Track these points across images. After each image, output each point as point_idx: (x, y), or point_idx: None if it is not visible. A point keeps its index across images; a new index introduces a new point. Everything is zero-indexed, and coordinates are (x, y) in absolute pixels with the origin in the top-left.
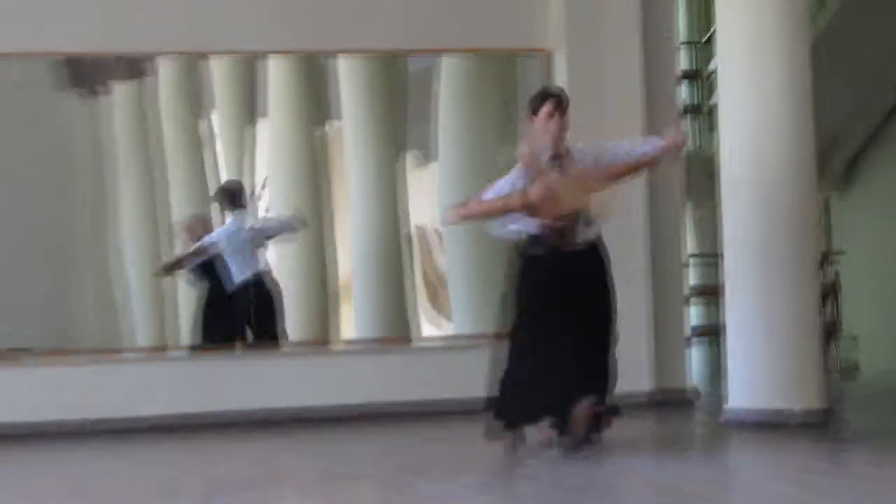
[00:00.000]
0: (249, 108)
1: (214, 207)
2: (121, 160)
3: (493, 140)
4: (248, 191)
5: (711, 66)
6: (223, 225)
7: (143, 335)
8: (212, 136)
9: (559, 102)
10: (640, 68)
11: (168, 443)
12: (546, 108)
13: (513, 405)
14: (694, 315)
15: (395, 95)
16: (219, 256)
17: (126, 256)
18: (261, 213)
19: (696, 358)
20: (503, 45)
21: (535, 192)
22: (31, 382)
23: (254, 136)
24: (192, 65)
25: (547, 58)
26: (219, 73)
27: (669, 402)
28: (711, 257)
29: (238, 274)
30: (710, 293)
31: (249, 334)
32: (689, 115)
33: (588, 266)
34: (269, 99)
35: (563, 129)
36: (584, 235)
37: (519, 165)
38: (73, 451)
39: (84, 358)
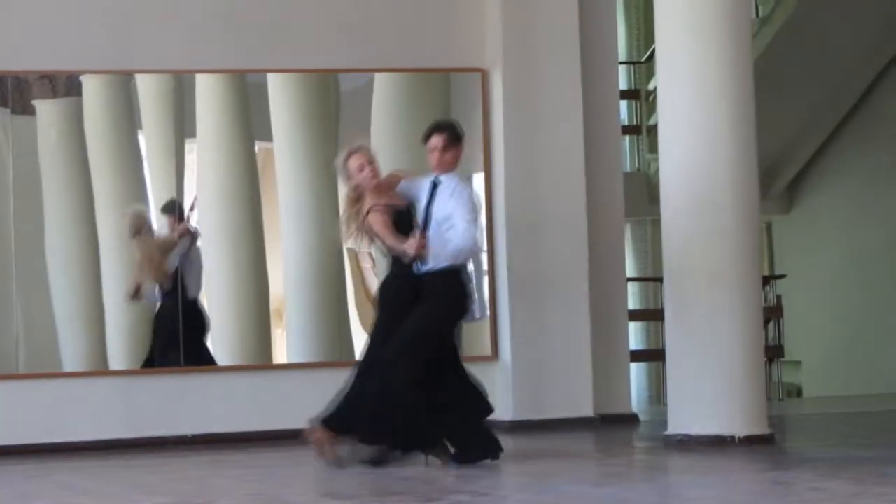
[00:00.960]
0: (178, 128)
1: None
2: (46, 179)
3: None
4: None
5: (651, 86)
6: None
7: (75, 356)
8: (140, 156)
9: (442, 137)
10: (579, 87)
11: (96, 466)
12: (431, 142)
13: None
14: (633, 338)
15: (328, 115)
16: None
17: (57, 275)
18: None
19: (636, 381)
20: (439, 64)
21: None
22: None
23: (182, 156)
24: (118, 83)
25: (483, 77)
26: (145, 91)
27: (610, 425)
28: (651, 281)
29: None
30: (650, 317)
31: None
32: (628, 135)
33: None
34: (197, 118)
35: (440, 163)
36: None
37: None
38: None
39: (15, 380)
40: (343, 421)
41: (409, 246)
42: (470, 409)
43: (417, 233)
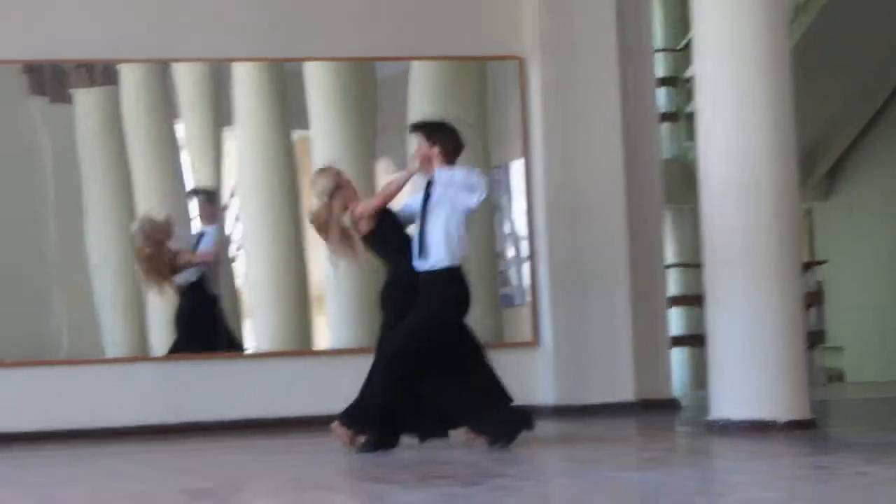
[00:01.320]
0: (216, 116)
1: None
2: (85, 168)
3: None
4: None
5: (689, 73)
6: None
7: (116, 342)
8: (178, 144)
9: (418, 141)
10: (616, 75)
11: (137, 450)
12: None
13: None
14: (675, 323)
15: (365, 103)
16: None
17: (95, 264)
18: (229, 223)
19: (677, 366)
20: (476, 52)
21: None
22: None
23: (221, 144)
24: (157, 72)
25: (521, 65)
26: (184, 80)
27: (651, 410)
28: (691, 266)
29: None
30: (690, 302)
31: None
32: (666, 123)
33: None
34: (235, 107)
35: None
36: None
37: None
38: (42, 458)
39: (57, 366)
40: (357, 419)
41: (414, 160)
42: (491, 397)
43: (420, 145)
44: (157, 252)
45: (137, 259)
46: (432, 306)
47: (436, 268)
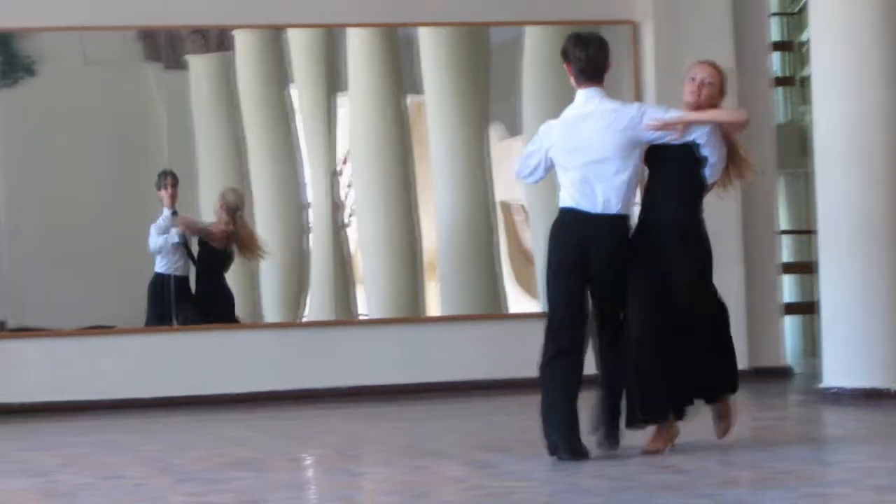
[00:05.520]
0: (329, 82)
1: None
2: (199, 133)
3: None
4: None
5: (804, 37)
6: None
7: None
8: (291, 110)
9: None
10: (730, 39)
11: (250, 417)
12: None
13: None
14: (787, 290)
15: (478, 68)
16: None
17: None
18: (343, 188)
19: (790, 334)
20: (589, 17)
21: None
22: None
23: (334, 110)
24: (271, 39)
25: (634, 29)
26: (297, 46)
27: (764, 378)
28: (804, 233)
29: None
30: (803, 270)
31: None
32: (780, 87)
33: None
34: (348, 72)
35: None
36: None
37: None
38: (155, 425)
39: (170, 333)
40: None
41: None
42: None
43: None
44: (235, 225)
45: (230, 237)
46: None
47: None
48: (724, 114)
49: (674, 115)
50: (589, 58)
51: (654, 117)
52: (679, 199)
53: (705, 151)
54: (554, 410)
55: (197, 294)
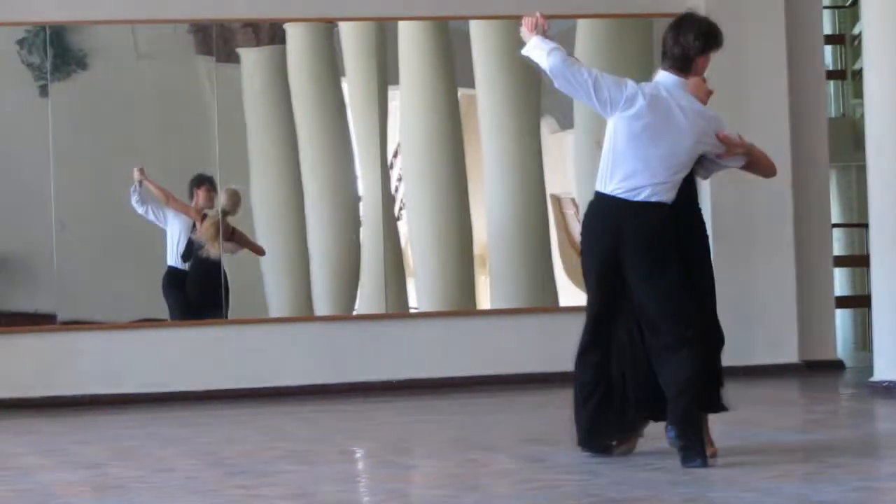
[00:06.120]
0: (381, 76)
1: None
2: (251, 127)
3: None
4: None
5: (856, 30)
6: None
7: (281, 302)
8: (343, 103)
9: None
10: (783, 31)
11: (301, 410)
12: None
13: None
14: (839, 284)
15: (530, 62)
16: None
17: (260, 222)
18: (393, 182)
19: (841, 327)
20: (642, 9)
21: None
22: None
23: (385, 104)
24: (322, 32)
25: None
26: (349, 40)
27: (815, 371)
28: (856, 226)
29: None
30: (855, 263)
31: None
32: (832, 80)
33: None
34: (400, 65)
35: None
36: None
37: None
38: (207, 418)
39: (222, 326)
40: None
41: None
42: None
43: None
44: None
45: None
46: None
47: None
48: (767, 157)
49: (734, 136)
50: (689, 46)
51: (725, 133)
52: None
53: (724, 163)
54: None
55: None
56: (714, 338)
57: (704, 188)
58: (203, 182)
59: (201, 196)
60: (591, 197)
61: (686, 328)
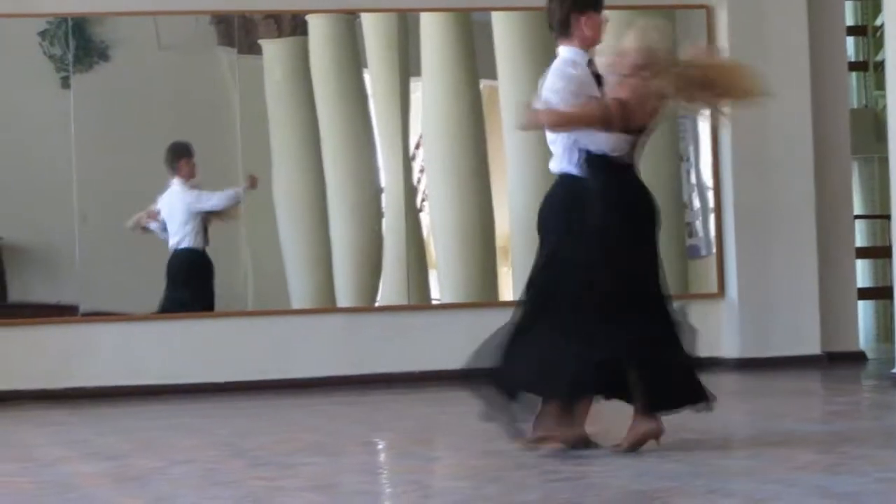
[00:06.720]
0: (403, 67)
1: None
2: (272, 118)
3: None
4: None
5: (879, 21)
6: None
7: (303, 293)
8: (365, 95)
9: None
10: (805, 23)
11: (322, 402)
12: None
13: None
14: (861, 275)
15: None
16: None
17: (282, 213)
18: (415, 173)
19: (863, 319)
20: (662, 0)
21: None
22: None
23: (407, 95)
24: (344, 23)
25: (708, 13)
26: (370, 31)
27: (837, 363)
28: (879, 218)
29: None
30: (877, 254)
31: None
32: (854, 72)
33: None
34: (422, 57)
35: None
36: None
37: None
38: (227, 409)
39: (244, 317)
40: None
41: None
42: None
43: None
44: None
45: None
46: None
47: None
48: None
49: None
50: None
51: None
52: None
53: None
54: None
55: None
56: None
57: (726, 176)
58: (186, 152)
59: (185, 167)
60: None
61: None
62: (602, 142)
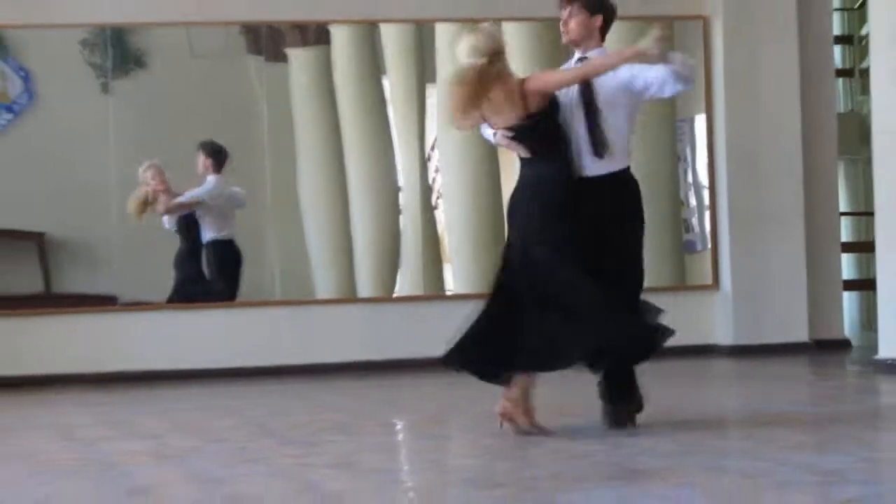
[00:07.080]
0: (419, 74)
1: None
2: (298, 123)
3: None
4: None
5: (864, 31)
6: (205, 184)
7: (326, 285)
8: (384, 100)
9: (568, 9)
10: (795, 32)
11: (345, 385)
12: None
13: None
14: (846, 269)
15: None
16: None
17: (306, 211)
18: (431, 173)
19: (848, 309)
20: (662, 11)
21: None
22: (223, 330)
23: (423, 100)
24: (365, 32)
25: (705, 24)
26: (390, 40)
27: (824, 349)
28: (863, 215)
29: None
30: (861, 249)
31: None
32: (841, 78)
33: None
34: (437, 64)
35: (569, 37)
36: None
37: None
38: (257, 392)
39: (271, 307)
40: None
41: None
42: None
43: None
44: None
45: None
46: (641, 217)
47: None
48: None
49: None
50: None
51: None
52: None
53: None
54: None
55: None
56: None
57: (721, 176)
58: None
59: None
60: None
61: None
62: (489, 136)
